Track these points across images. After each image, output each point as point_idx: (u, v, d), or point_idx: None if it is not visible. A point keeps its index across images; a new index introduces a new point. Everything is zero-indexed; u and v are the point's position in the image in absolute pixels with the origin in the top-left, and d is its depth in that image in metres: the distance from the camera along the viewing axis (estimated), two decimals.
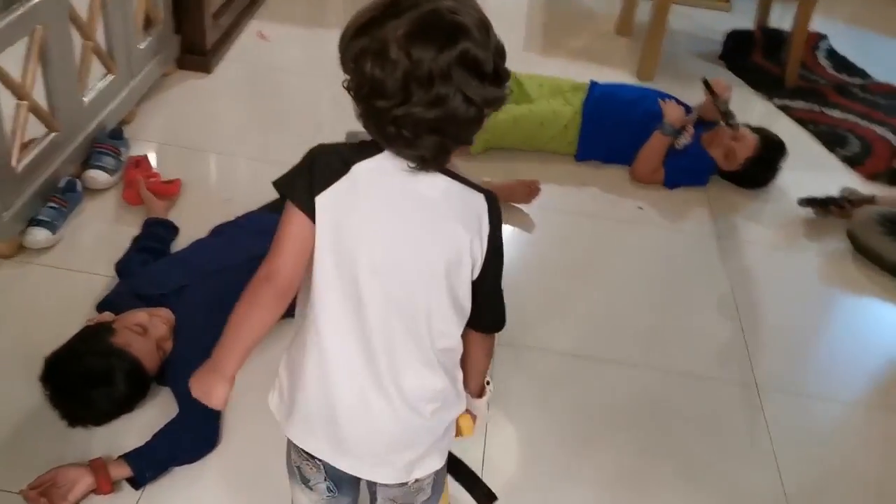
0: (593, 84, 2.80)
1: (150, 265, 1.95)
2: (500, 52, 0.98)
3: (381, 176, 1.01)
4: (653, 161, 2.65)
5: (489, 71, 0.95)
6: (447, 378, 1.10)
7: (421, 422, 1.09)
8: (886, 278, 2.41)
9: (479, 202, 1.03)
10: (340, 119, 2.70)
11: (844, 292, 2.42)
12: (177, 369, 1.72)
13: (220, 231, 2.05)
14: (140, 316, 1.73)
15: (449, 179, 1.02)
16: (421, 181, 1.00)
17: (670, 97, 2.79)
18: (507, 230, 2.42)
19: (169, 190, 2.27)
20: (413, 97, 0.92)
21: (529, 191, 2.47)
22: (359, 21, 0.95)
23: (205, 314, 1.78)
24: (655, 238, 2.51)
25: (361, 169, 1.01)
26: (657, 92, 2.82)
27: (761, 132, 2.72)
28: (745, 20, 3.81)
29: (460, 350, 1.12)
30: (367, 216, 1.01)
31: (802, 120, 3.21)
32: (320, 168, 1.02)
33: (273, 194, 1.10)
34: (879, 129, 3.15)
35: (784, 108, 3.28)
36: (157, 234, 2.11)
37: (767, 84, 3.41)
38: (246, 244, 1.93)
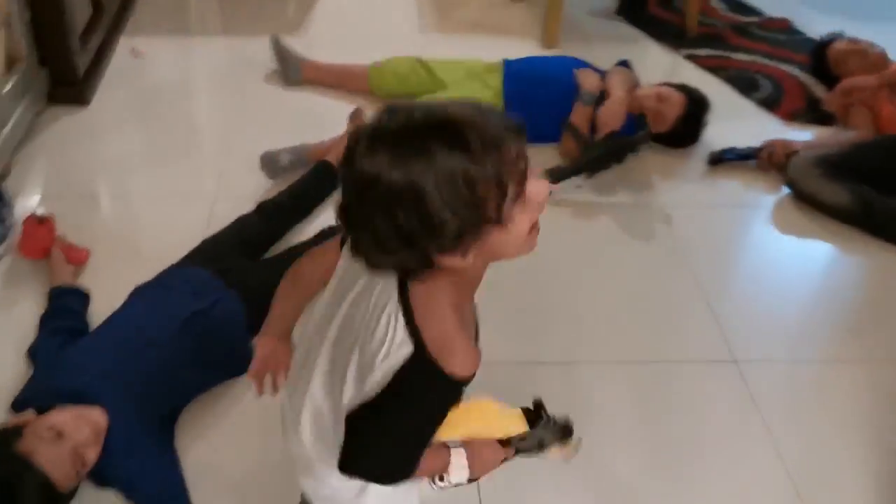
0: (507, 63, 2.66)
1: (66, 349, 1.70)
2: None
3: None
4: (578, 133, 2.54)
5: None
6: None
7: None
8: (832, 222, 2.39)
9: None
10: (251, 137, 2.52)
11: (794, 244, 2.39)
12: (119, 466, 1.50)
13: (140, 294, 1.81)
14: (59, 417, 1.46)
15: None
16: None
17: (586, 64, 2.68)
18: None
19: (78, 257, 2.00)
20: None
21: None
22: None
23: (135, 398, 1.57)
24: (599, 218, 2.41)
25: None
26: (572, 60, 2.70)
27: (684, 89, 2.65)
28: None
29: None
30: None
31: (711, 67, 3.16)
32: None
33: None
34: (786, 67, 3.15)
35: (691, 58, 3.23)
36: (67, 307, 1.85)
37: (669, 35, 3.35)
38: (173, 306, 1.72)
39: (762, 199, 2.51)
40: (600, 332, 2.01)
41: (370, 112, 2.58)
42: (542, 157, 2.57)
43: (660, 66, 3.14)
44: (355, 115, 2.47)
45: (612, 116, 2.49)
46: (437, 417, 1.00)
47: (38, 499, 1.39)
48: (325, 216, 2.22)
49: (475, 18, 3.42)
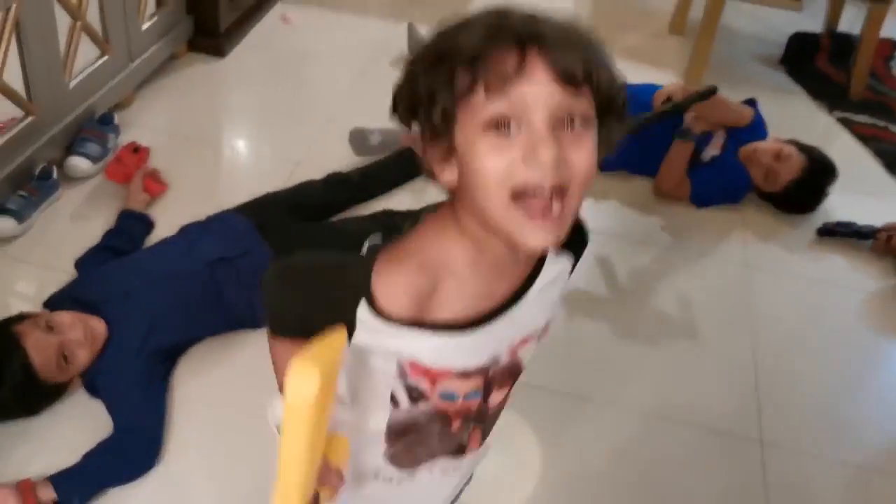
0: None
1: (103, 266, 1.84)
2: None
3: None
4: (673, 171, 2.41)
5: None
6: None
7: None
8: None
9: None
10: (353, 113, 2.60)
11: (883, 341, 2.15)
12: (108, 380, 1.60)
13: (186, 231, 1.92)
14: (59, 316, 1.61)
15: None
16: None
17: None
18: None
19: (155, 189, 2.15)
20: None
21: None
22: None
23: (145, 323, 1.66)
24: (677, 264, 2.27)
25: None
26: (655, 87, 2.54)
27: (810, 152, 2.44)
28: (814, 23, 3.49)
29: None
30: None
31: (864, 136, 2.90)
32: None
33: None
34: None
35: (845, 122, 2.98)
36: (129, 230, 2.00)
37: (830, 94, 3.11)
38: (206, 249, 1.81)
39: (866, 284, 2.27)
40: (633, 376, 1.91)
41: None
42: (635, 190, 2.48)
43: (805, 124, 2.91)
44: None
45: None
46: None
47: (19, 375, 1.52)
48: (390, 202, 2.25)
49: (627, 45, 3.32)
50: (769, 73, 3.25)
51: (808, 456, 1.78)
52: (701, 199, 2.42)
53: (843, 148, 2.82)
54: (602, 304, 2.11)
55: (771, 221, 2.46)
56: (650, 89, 2.49)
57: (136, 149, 2.21)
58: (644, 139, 2.44)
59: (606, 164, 2.59)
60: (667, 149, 2.43)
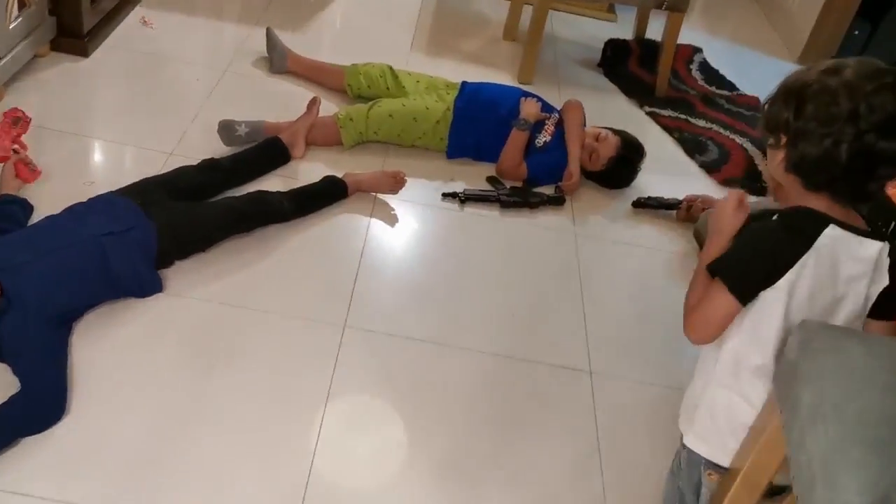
0: (464, 84, 2.91)
1: None
2: None
3: None
4: (512, 156, 2.78)
5: None
6: None
7: None
8: None
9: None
10: (218, 109, 2.79)
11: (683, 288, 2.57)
12: (12, 343, 1.74)
13: (71, 209, 2.06)
14: None
15: None
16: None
17: (535, 96, 2.92)
18: (374, 224, 2.50)
19: (28, 175, 2.26)
20: None
21: (395, 181, 2.55)
22: None
23: (43, 289, 1.81)
24: (517, 232, 2.62)
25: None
26: (522, 91, 2.95)
27: (621, 134, 2.87)
28: (625, 31, 3.99)
29: None
30: None
31: (668, 127, 3.38)
32: None
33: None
34: (739, 139, 3.35)
35: (653, 115, 3.45)
36: (11, 213, 2.11)
37: (640, 92, 3.59)
38: (94, 224, 1.97)
39: (670, 246, 2.71)
40: (479, 321, 2.22)
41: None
42: (479, 174, 2.82)
43: (620, 117, 3.36)
44: (312, 103, 2.73)
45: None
46: None
47: None
48: (260, 184, 2.47)
49: (464, 49, 3.68)
50: (589, 75, 3.70)
51: (627, 380, 2.16)
52: (535, 179, 2.80)
53: (652, 137, 3.28)
54: (452, 266, 2.42)
55: (596, 196, 2.86)
56: (516, 93, 2.87)
57: (15, 120, 2.31)
58: (485, 130, 2.80)
59: (452, 152, 2.97)
60: (503, 137, 2.79)
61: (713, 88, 3.74)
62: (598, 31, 4.04)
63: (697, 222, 2.69)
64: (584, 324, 2.30)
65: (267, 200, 2.32)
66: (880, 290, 1.26)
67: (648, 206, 2.82)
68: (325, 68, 3.07)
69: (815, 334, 1.20)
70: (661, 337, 2.30)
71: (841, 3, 4.15)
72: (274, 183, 2.51)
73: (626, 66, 3.75)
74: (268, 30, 3.10)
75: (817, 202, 1.23)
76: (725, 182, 3.09)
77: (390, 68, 2.98)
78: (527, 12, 3.76)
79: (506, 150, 2.79)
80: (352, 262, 2.32)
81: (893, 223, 2.54)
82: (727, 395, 1.35)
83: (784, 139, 1.23)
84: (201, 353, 1.94)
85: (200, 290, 2.11)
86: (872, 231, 1.22)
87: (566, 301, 2.38)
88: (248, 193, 2.33)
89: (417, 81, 2.95)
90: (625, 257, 2.63)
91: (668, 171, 3.09)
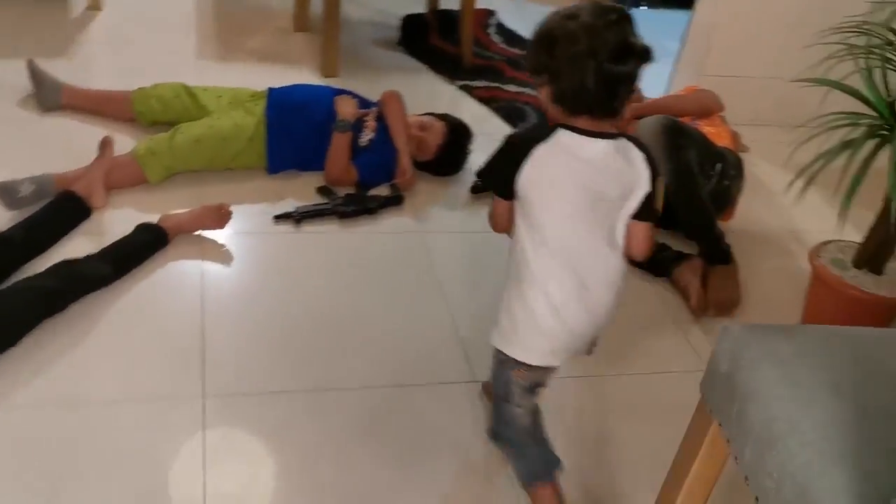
0: (271, 90, 2.67)
1: None
2: None
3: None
4: (338, 160, 2.59)
5: None
6: None
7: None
8: None
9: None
10: None
11: None
12: None
13: None
14: None
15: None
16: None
17: (348, 92, 2.74)
18: (208, 267, 2.23)
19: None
20: None
21: (219, 215, 2.30)
22: None
23: None
24: (363, 244, 2.45)
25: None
26: (334, 89, 2.75)
27: (445, 118, 2.76)
28: (418, 4, 3.86)
29: None
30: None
31: (484, 98, 3.32)
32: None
33: None
34: None
35: (466, 88, 3.37)
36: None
37: (447, 66, 3.49)
38: None
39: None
40: (349, 355, 2.04)
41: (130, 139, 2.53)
42: (308, 185, 2.61)
43: (437, 97, 3.25)
44: (104, 144, 2.39)
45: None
46: None
47: None
48: (63, 249, 2.14)
49: (255, 47, 3.42)
50: (391, 56, 3.56)
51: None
52: (367, 181, 2.63)
53: (470, 112, 3.20)
54: (300, 296, 2.22)
55: (432, 187, 2.74)
56: (328, 92, 2.66)
57: None
58: (304, 138, 2.59)
59: (273, 167, 2.73)
60: (325, 143, 2.59)
61: (516, 50, 3.71)
62: (388, 6, 3.90)
63: None
64: (456, 331, 2.18)
65: (77, 270, 2.00)
66: (641, 196, 1.49)
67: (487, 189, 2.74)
68: (108, 97, 2.72)
69: (740, 341, 1.15)
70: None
71: None
72: (80, 244, 2.17)
73: (427, 40, 3.63)
74: (29, 62, 2.70)
75: (582, 122, 1.46)
76: None
77: (184, 86, 2.68)
78: None
79: (330, 156, 2.59)
80: (193, 318, 2.06)
81: (718, 164, 2.62)
82: (516, 288, 1.54)
83: (546, 77, 1.45)
84: (43, 475, 1.63)
85: (22, 394, 1.78)
86: (603, 134, 1.46)
87: (430, 309, 2.25)
88: (53, 266, 2.00)
89: (219, 97, 2.67)
90: (477, 247, 2.53)
91: (495, 144, 3.01)
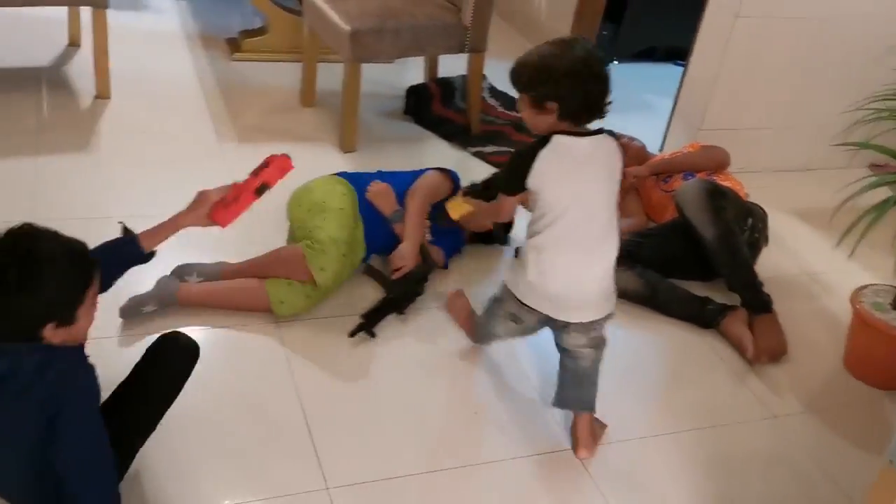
0: (349, 179, 2.68)
1: None
2: None
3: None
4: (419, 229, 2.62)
5: None
6: None
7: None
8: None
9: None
10: None
11: None
12: None
13: None
14: None
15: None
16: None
17: (374, 175, 2.76)
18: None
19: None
20: None
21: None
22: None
23: None
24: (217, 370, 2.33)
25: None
26: (382, 174, 2.79)
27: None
28: (417, 74, 3.95)
29: None
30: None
31: (497, 163, 3.43)
32: None
33: None
34: None
35: (479, 155, 3.49)
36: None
37: (456, 134, 3.60)
38: None
39: None
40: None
41: None
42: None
43: (449, 161, 3.34)
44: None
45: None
46: None
47: None
48: None
49: (271, 126, 3.45)
50: (401, 126, 3.65)
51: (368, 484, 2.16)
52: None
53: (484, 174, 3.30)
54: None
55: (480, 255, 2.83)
56: (388, 180, 2.72)
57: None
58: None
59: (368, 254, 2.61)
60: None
61: (515, 113, 3.85)
62: (382, 76, 3.98)
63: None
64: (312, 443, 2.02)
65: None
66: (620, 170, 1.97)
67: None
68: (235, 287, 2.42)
69: None
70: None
71: (588, 10, 4.47)
72: None
73: (430, 109, 3.73)
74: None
75: (567, 127, 1.89)
76: None
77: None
78: (321, 75, 3.61)
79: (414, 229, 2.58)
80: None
81: (749, 219, 2.79)
82: (533, 253, 1.94)
83: (555, 105, 1.85)
84: None
85: None
86: (587, 132, 1.91)
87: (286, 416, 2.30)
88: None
89: (299, 206, 2.59)
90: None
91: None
